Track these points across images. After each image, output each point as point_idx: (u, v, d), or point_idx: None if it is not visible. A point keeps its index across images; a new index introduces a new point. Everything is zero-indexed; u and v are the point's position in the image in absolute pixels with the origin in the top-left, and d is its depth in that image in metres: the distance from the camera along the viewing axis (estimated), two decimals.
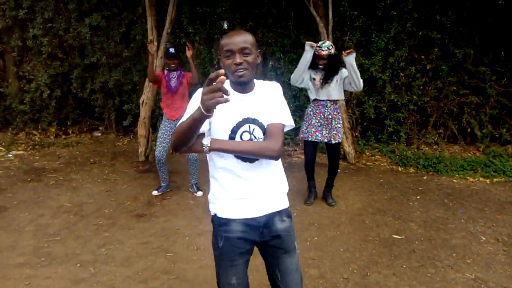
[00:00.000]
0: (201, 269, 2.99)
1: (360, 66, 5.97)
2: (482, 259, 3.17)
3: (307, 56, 3.81)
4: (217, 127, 1.65)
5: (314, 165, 4.20)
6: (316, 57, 3.86)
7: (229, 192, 1.70)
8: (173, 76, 4.21)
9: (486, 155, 5.91)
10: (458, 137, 6.46)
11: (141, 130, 5.64)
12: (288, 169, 5.46)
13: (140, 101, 5.62)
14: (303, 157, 5.92)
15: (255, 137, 1.68)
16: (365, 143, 6.31)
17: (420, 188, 4.74)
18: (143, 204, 4.21)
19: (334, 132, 3.93)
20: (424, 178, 5.14)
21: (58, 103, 6.97)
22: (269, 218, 1.74)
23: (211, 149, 1.58)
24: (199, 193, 4.47)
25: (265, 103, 1.72)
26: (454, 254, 3.24)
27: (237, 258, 1.71)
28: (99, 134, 7.19)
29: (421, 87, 6.24)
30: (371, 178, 5.08)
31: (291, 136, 6.45)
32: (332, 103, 3.91)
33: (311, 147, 4.08)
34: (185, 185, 4.74)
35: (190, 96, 4.24)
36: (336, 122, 3.94)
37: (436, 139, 6.38)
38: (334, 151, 4.05)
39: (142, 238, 3.46)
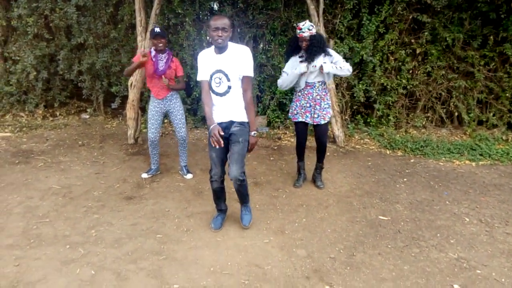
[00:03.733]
0: (191, 250, 3.03)
1: (351, 50, 5.99)
2: (465, 239, 3.26)
3: (300, 72, 3.79)
4: (207, 73, 2.96)
5: (305, 146, 4.22)
6: (298, 39, 3.82)
7: (213, 109, 3.02)
8: (161, 59, 4.05)
9: (472, 139, 6.00)
10: (445, 121, 6.55)
11: (130, 112, 5.59)
12: (278, 152, 5.49)
13: (129, 83, 5.56)
14: (292, 140, 5.97)
15: (221, 80, 2.93)
16: (355, 126, 6.36)
17: (407, 171, 4.82)
18: (133, 186, 4.21)
19: (324, 112, 3.94)
20: (412, 161, 5.21)
21: (45, 85, 6.86)
22: (228, 124, 3.04)
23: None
24: (189, 176, 4.47)
25: (232, 60, 2.90)
26: (438, 235, 3.33)
27: None
28: (87, 116, 7.12)
29: (411, 71, 6.28)
30: (359, 161, 5.14)
31: (281, 119, 6.46)
32: (320, 83, 3.91)
33: (302, 128, 4.09)
34: (174, 167, 4.75)
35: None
36: (325, 103, 3.94)
37: (424, 122, 6.45)
38: (321, 131, 4.05)
39: (132, 220, 3.48)
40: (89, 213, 3.59)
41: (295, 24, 6.13)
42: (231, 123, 3.05)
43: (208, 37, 6.37)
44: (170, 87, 4.10)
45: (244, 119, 3.06)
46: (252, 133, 3.06)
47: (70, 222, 3.41)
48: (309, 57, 3.79)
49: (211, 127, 2.88)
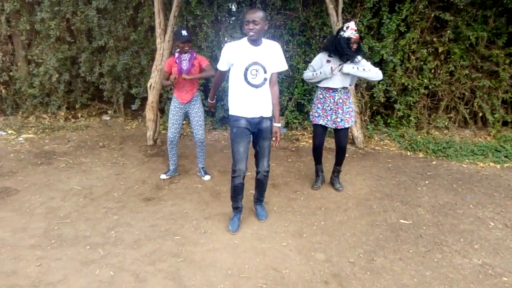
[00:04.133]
0: (208, 252, 3.02)
1: (370, 49, 5.89)
2: (490, 245, 3.16)
3: (325, 76, 3.76)
4: (237, 65, 3.01)
5: (322, 150, 4.17)
6: (348, 41, 3.68)
7: (241, 102, 3.10)
8: (185, 58, 4.06)
9: (497, 140, 5.82)
10: (469, 121, 6.37)
11: (149, 114, 5.65)
12: (296, 153, 5.45)
13: (148, 85, 5.61)
14: (311, 141, 5.91)
15: (258, 72, 3.02)
16: (374, 127, 6.25)
17: (429, 173, 4.70)
18: (152, 187, 4.25)
19: (348, 116, 3.88)
20: (434, 163, 5.09)
21: (67, 87, 7.00)
22: (259, 120, 3.16)
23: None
24: (207, 177, 4.48)
25: (267, 54, 3.03)
26: (461, 240, 3.23)
27: (243, 137, 3.13)
28: (108, 118, 7.23)
29: (433, 71, 6.13)
30: (379, 163, 5.05)
31: (299, 120, 6.41)
32: (342, 88, 3.85)
33: (320, 131, 4.04)
34: (193, 169, 4.77)
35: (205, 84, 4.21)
36: (347, 107, 3.88)
37: (446, 123, 6.29)
38: (342, 135, 4.00)
39: (151, 221, 3.50)
40: (109, 214, 3.63)
41: (313, 24, 6.08)
42: (261, 119, 3.17)
43: (226, 38, 6.38)
44: (192, 77, 4.02)
45: (271, 113, 3.24)
46: (278, 124, 3.23)
47: (91, 223, 3.46)
48: (351, 59, 3.72)
49: (209, 101, 3.59)
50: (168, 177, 4.49)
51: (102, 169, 4.76)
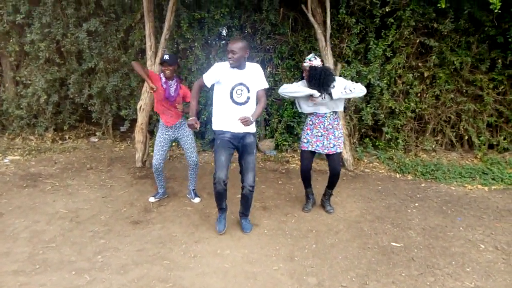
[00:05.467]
0: (198, 276, 2.95)
1: (358, 73, 6.00)
2: (481, 268, 3.15)
3: (310, 93, 3.75)
4: (224, 84, 3.37)
5: (310, 174, 4.16)
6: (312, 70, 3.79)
7: (226, 118, 3.43)
8: (172, 86, 4.05)
9: (484, 163, 5.91)
10: (455, 144, 6.47)
11: (138, 136, 5.61)
12: (286, 175, 5.44)
13: (138, 107, 5.59)
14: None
15: (242, 92, 3.39)
16: (363, 149, 6.30)
17: (418, 196, 4.73)
18: (140, 210, 4.17)
19: (339, 141, 3.91)
20: (422, 185, 5.12)
21: (55, 108, 6.93)
22: (243, 135, 3.46)
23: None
24: (197, 200, 4.43)
25: (251, 76, 3.42)
26: (453, 262, 3.22)
27: (225, 148, 3.41)
28: (96, 140, 7.15)
29: (419, 94, 6.26)
30: (369, 185, 5.06)
31: (289, 143, 6.43)
32: (332, 113, 3.89)
33: (308, 156, 4.03)
34: (182, 191, 4.71)
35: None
36: (338, 132, 3.91)
37: (434, 146, 6.38)
38: (335, 161, 3.98)
39: (138, 245, 3.42)
40: (96, 238, 3.54)
41: (302, 48, 6.20)
42: (246, 134, 3.47)
43: (216, 61, 6.45)
44: (185, 112, 4.10)
45: (255, 129, 3.55)
46: (251, 118, 3.32)
47: (76, 247, 3.37)
48: (322, 89, 3.72)
49: (190, 118, 3.34)
50: (157, 199, 4.42)
51: (89, 192, 4.67)
